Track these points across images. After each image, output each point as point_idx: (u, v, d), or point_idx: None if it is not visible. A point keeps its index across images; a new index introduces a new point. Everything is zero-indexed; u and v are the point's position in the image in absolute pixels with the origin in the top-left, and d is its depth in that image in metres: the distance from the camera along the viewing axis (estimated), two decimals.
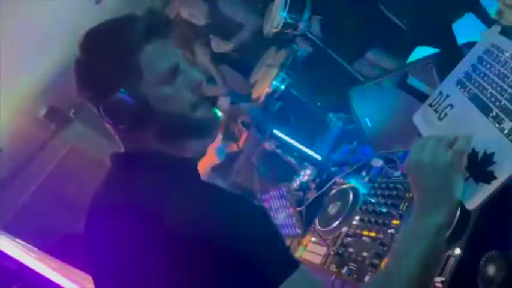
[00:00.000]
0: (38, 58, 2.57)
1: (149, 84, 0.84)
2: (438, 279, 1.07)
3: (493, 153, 0.80)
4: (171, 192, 0.80)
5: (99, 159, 3.15)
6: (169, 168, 0.86)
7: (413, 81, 1.11)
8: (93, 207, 0.89)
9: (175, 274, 0.74)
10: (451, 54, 1.16)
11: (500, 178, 0.76)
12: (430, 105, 1.06)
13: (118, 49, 0.84)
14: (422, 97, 1.10)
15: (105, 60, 0.85)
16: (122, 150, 0.92)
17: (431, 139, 0.85)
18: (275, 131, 1.96)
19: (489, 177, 0.78)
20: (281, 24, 2.22)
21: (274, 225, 0.83)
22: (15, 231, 2.39)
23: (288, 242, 1.78)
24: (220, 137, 2.27)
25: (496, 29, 0.98)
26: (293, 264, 0.78)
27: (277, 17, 2.21)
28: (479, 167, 0.81)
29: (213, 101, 0.92)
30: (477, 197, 0.79)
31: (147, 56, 0.83)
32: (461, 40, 1.57)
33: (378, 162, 1.67)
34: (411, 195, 1.35)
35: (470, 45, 1.11)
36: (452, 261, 1.08)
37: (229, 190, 0.89)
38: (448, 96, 1.02)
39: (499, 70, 0.91)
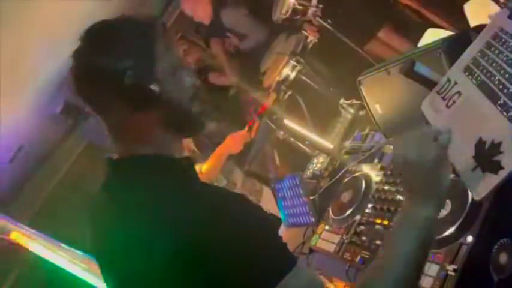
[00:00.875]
0: (52, 55, 2.60)
1: (158, 72, 0.87)
2: (450, 267, 1.07)
3: (500, 143, 0.78)
4: (169, 198, 0.81)
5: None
6: (167, 172, 0.88)
7: (420, 68, 1.09)
8: (95, 215, 0.90)
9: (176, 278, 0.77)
10: (461, 38, 1.12)
11: (507, 168, 0.75)
12: (438, 92, 1.05)
13: (135, 35, 0.87)
14: (430, 84, 1.08)
15: (123, 43, 0.87)
16: (117, 151, 0.92)
17: (414, 135, 0.87)
18: (285, 121, 1.95)
19: (496, 167, 0.77)
20: (290, 10, 2.20)
21: (270, 224, 0.84)
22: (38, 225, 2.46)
23: (302, 230, 1.79)
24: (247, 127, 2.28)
25: (505, 12, 0.95)
26: (290, 262, 0.79)
27: (286, 3, 2.19)
28: (486, 156, 0.80)
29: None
30: (484, 186, 0.78)
31: (160, 48, 0.87)
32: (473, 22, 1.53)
33: (390, 149, 1.66)
34: None
35: (480, 28, 1.07)
36: (464, 249, 1.08)
37: (225, 190, 0.90)
38: (456, 83, 1.00)
39: (507, 56, 0.89)
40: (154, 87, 0.85)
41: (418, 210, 0.84)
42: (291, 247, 1.72)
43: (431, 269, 1.12)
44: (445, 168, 0.83)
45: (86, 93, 0.90)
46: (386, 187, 1.48)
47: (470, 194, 1.11)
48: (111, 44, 0.86)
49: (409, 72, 1.09)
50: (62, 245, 2.18)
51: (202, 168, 2.23)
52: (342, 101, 2.01)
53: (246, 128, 2.29)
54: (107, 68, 0.85)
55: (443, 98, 1.01)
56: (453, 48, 1.12)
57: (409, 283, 0.81)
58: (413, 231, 0.83)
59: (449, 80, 1.02)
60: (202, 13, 2.79)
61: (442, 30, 1.87)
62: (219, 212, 0.78)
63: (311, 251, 1.65)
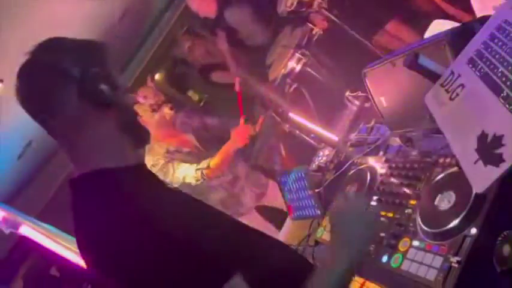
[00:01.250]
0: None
1: (108, 78, 0.97)
2: (454, 259, 1.07)
3: (502, 136, 0.78)
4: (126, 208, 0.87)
5: None
6: (124, 183, 0.94)
7: (424, 60, 1.09)
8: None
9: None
10: (465, 30, 1.12)
11: (509, 161, 0.75)
12: (442, 85, 1.05)
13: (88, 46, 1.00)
14: (434, 77, 1.08)
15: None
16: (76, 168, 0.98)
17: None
18: (291, 114, 1.95)
19: (498, 160, 0.77)
20: (295, 2, 2.19)
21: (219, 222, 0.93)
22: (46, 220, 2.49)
23: (308, 223, 1.80)
24: (242, 121, 2.28)
25: (509, 4, 0.94)
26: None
27: None
28: (488, 149, 0.80)
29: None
30: (485, 179, 0.79)
31: (108, 61, 1.00)
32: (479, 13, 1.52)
33: (395, 141, 1.66)
34: (428, 175, 1.34)
35: (484, 20, 1.06)
36: (468, 241, 1.08)
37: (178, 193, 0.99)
38: (459, 75, 1.00)
39: (510, 48, 0.88)
40: (105, 87, 0.94)
41: (341, 260, 0.97)
42: (297, 240, 1.75)
43: (435, 261, 1.13)
44: (371, 235, 1.08)
45: (43, 93, 0.94)
46: (391, 179, 1.48)
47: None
48: (64, 50, 0.95)
49: (413, 65, 1.09)
50: (70, 238, 2.22)
51: (211, 164, 2.25)
52: (347, 93, 2.01)
53: (242, 120, 2.30)
54: (64, 70, 0.92)
55: (447, 91, 1.01)
56: (457, 40, 1.12)
57: None
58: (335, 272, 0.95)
59: (452, 73, 1.02)
60: (207, 9, 2.80)
61: (447, 22, 1.85)
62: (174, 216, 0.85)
63: (317, 243, 1.66)
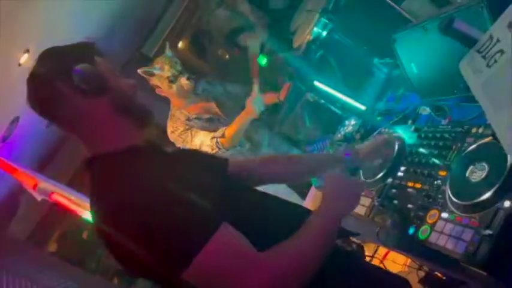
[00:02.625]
0: (82, 27, 2.62)
1: (100, 69, 1.08)
2: (485, 232, 1.04)
3: None
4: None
5: None
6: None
7: (460, 25, 1.02)
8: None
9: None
10: None
11: None
12: (478, 51, 0.99)
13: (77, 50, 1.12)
14: (470, 42, 1.01)
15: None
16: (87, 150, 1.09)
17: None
18: (316, 83, 1.90)
19: None
20: None
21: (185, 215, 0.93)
22: (75, 187, 2.55)
23: None
24: (255, 88, 2.22)
25: None
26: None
27: None
28: None
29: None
30: None
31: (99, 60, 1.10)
32: None
33: (425, 110, 1.60)
34: (459, 145, 1.30)
35: None
36: (501, 214, 1.04)
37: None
38: (498, 40, 0.93)
39: None
40: (92, 77, 1.05)
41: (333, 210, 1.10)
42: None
43: (465, 234, 1.10)
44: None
45: (42, 96, 1.06)
46: (420, 149, 1.44)
47: (509, 157, 1.06)
48: (59, 56, 1.09)
49: (448, 29, 1.03)
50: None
51: (226, 132, 2.23)
52: (375, 60, 1.94)
53: (255, 88, 2.23)
54: (63, 71, 1.05)
55: (484, 57, 0.95)
56: (496, 2, 1.04)
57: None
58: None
59: (491, 37, 0.96)
60: None
61: None
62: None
63: None
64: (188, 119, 2.36)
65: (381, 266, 1.60)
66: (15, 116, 2.21)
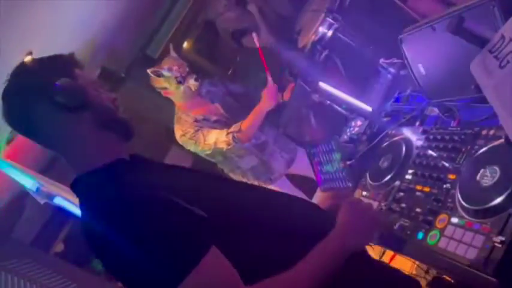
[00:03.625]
0: (87, 20, 2.61)
1: (81, 85, 1.05)
2: (497, 238, 1.01)
3: None
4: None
5: (149, 117, 3.25)
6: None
7: (470, 24, 0.99)
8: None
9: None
10: None
11: None
12: (490, 51, 0.95)
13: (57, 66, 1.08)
14: (480, 42, 0.98)
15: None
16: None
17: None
18: (321, 84, 1.87)
19: None
20: None
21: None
22: None
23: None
24: (270, 80, 2.21)
25: None
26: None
27: None
28: None
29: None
30: None
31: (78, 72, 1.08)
32: None
33: (433, 111, 1.57)
34: (469, 148, 1.26)
35: None
36: None
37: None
38: (510, 40, 0.90)
39: None
40: (71, 93, 1.02)
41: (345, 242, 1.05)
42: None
43: (476, 240, 1.07)
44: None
45: (18, 115, 1.03)
46: (428, 152, 1.41)
47: None
48: (35, 71, 1.04)
49: (458, 29, 0.99)
50: None
51: (242, 126, 2.22)
52: (381, 60, 1.91)
53: (269, 78, 2.23)
54: (39, 87, 1.01)
55: (496, 57, 0.92)
56: (508, 1, 1.01)
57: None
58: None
59: (503, 37, 0.93)
60: None
61: None
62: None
63: None
64: (196, 120, 2.35)
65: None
66: None
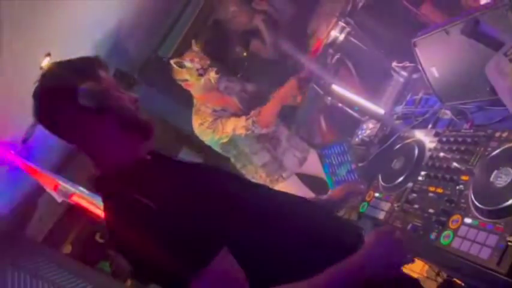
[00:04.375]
0: (101, 21, 2.65)
1: (105, 89, 1.10)
2: (511, 238, 1.02)
3: None
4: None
5: (160, 118, 3.28)
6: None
7: (485, 28, 1.01)
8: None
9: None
10: None
11: None
12: (505, 54, 0.97)
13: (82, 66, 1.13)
14: (495, 45, 1.00)
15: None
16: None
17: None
18: (333, 87, 1.89)
19: None
20: None
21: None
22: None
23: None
24: (307, 70, 2.20)
25: None
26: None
27: None
28: None
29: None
30: None
31: (102, 74, 1.12)
32: None
33: (445, 114, 1.58)
34: (482, 149, 1.28)
35: None
36: None
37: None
38: None
39: None
40: (102, 97, 1.07)
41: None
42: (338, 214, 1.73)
43: (490, 240, 1.09)
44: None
45: (47, 114, 1.09)
46: (441, 154, 1.42)
47: None
48: (63, 74, 1.09)
49: (473, 32, 1.01)
50: None
51: (262, 111, 2.25)
52: (394, 63, 1.92)
53: (307, 70, 2.21)
54: (65, 89, 1.06)
55: (511, 60, 0.94)
56: None
57: None
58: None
59: None
60: None
61: None
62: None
63: (359, 217, 1.64)
64: (214, 110, 2.38)
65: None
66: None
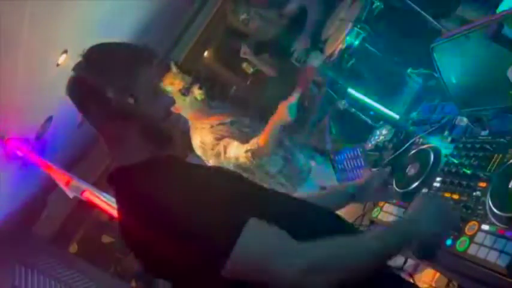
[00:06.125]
0: (115, 21, 2.67)
1: (137, 91, 1.10)
2: None
3: None
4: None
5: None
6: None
7: (509, 31, 1.00)
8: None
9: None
10: None
11: None
12: None
13: (124, 60, 1.12)
14: None
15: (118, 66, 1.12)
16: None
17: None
18: (350, 90, 1.89)
19: None
20: None
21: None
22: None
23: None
24: (296, 95, 2.15)
25: None
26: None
27: None
28: None
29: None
30: None
31: (144, 72, 1.12)
32: None
33: (462, 121, 1.57)
34: (501, 156, 1.26)
35: None
36: None
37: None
38: None
39: None
40: (130, 100, 1.08)
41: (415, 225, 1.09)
42: (350, 218, 1.71)
43: (508, 247, 1.07)
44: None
45: (79, 101, 1.12)
46: (457, 160, 1.41)
47: None
48: (101, 66, 1.10)
49: (497, 36, 1.01)
50: None
51: (259, 141, 2.14)
52: (409, 70, 1.92)
53: (294, 96, 2.15)
54: (95, 84, 1.08)
55: None
56: None
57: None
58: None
59: None
60: None
61: None
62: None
63: (372, 223, 1.62)
64: (212, 126, 2.28)
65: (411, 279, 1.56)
66: (49, 115, 2.26)
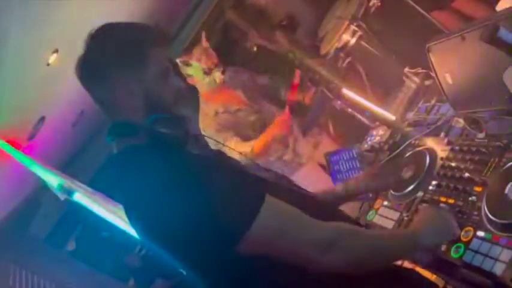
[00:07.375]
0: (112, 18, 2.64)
1: (146, 71, 1.06)
2: None
3: None
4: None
5: None
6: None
7: (505, 34, 0.97)
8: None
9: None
10: None
11: None
12: None
13: (132, 40, 1.08)
14: None
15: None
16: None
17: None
18: (344, 90, 1.86)
19: None
20: None
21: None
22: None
23: (358, 204, 1.73)
24: (287, 111, 2.23)
25: None
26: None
27: None
28: None
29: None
30: None
31: (154, 54, 1.07)
32: None
33: (458, 122, 1.54)
34: (497, 160, 1.23)
35: None
36: None
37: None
38: None
39: None
40: (137, 82, 1.04)
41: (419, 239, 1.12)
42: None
43: (503, 254, 1.05)
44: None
45: (86, 81, 1.10)
46: (453, 163, 1.38)
47: None
48: (109, 45, 1.06)
49: (492, 38, 0.97)
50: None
51: (254, 149, 2.21)
52: (406, 69, 1.88)
53: (287, 110, 2.24)
54: (102, 63, 1.05)
55: None
56: None
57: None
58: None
59: None
60: None
61: None
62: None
63: (366, 226, 1.59)
64: (216, 114, 2.34)
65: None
66: (41, 116, 2.23)
